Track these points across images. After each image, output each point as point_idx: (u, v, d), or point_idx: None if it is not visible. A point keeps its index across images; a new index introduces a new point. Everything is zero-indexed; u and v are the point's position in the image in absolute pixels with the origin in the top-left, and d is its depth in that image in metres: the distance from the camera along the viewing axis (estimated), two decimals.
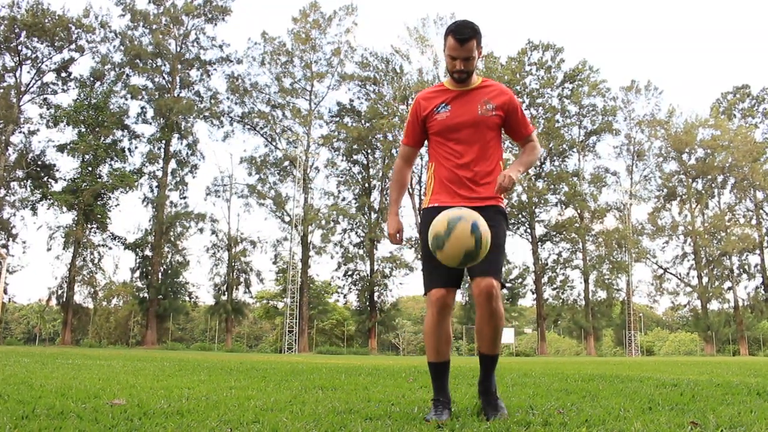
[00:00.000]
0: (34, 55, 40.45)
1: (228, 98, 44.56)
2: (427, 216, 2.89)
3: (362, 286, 43.11)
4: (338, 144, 44.89)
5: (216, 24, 43.84)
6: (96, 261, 39.65)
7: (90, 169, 39.58)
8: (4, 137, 38.35)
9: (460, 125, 2.90)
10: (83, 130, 39.77)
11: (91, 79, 41.36)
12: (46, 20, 38.99)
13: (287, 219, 42.21)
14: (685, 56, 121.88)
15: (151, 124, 42.67)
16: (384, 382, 5.02)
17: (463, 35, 2.78)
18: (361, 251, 43.36)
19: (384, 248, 44.12)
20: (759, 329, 48.64)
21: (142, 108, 42.76)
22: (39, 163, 40.52)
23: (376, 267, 42.98)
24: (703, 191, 48.96)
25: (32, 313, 56.77)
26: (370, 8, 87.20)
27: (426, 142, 3.11)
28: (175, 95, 42.51)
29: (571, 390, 4.25)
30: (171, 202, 41.89)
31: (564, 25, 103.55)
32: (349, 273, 43.45)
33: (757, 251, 47.36)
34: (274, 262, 43.13)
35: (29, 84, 40.79)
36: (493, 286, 2.74)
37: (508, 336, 39.22)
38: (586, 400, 3.51)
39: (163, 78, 42.98)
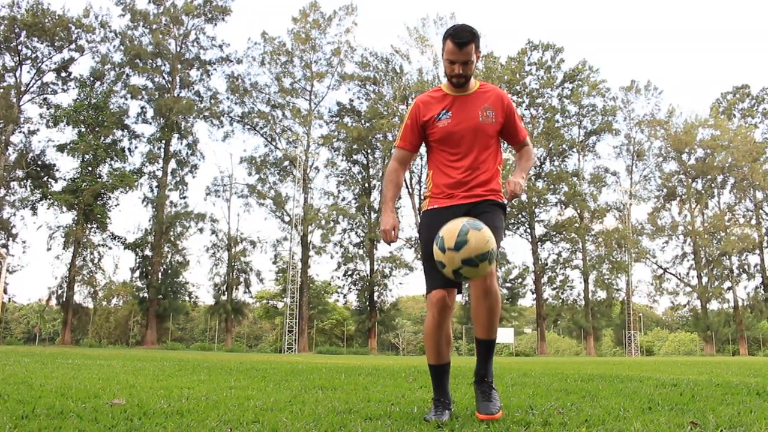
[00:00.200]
0: (34, 55, 40.46)
1: (228, 98, 44.61)
2: (426, 218, 2.91)
3: (362, 286, 43.11)
4: (338, 144, 44.90)
5: (216, 24, 43.87)
6: (96, 261, 39.71)
7: (90, 169, 39.61)
8: (4, 137, 38.33)
9: (461, 132, 2.90)
10: (83, 130, 39.77)
11: (91, 79, 41.34)
12: (46, 20, 38.98)
13: (287, 219, 42.22)
14: (685, 56, 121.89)
15: (151, 124, 42.72)
16: (384, 382, 5.02)
17: (462, 39, 2.77)
18: (360, 251, 43.37)
19: (384, 248, 44.15)
20: (759, 329, 48.60)
21: (142, 108, 42.84)
22: (39, 162, 40.50)
23: (375, 267, 42.99)
24: (703, 191, 48.96)
25: (32, 312, 56.76)
26: (370, 8, 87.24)
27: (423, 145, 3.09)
28: (175, 95, 42.49)
29: (571, 390, 4.26)
30: (171, 202, 41.92)
31: (564, 25, 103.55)
32: (349, 273, 43.48)
33: (757, 251, 47.38)
34: (274, 262, 43.17)
35: (29, 84, 40.79)
36: None
37: (508, 336, 39.24)
38: (585, 400, 3.51)
39: (163, 78, 42.97)
